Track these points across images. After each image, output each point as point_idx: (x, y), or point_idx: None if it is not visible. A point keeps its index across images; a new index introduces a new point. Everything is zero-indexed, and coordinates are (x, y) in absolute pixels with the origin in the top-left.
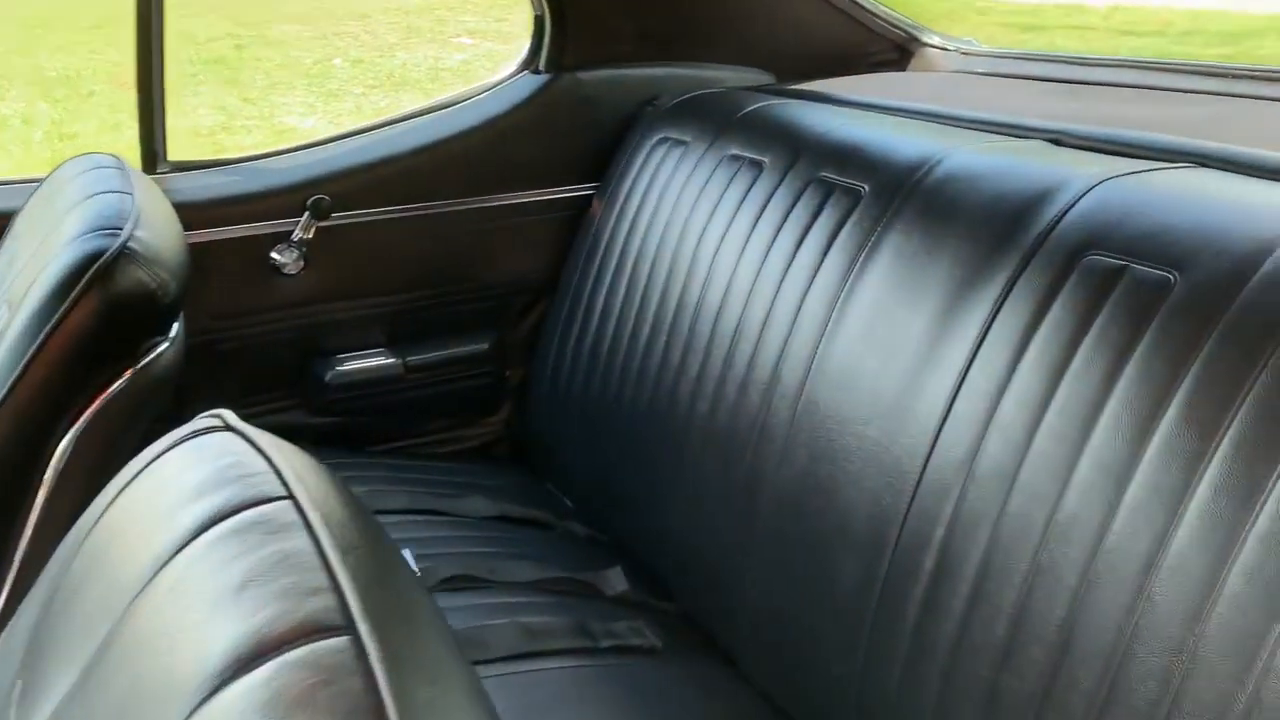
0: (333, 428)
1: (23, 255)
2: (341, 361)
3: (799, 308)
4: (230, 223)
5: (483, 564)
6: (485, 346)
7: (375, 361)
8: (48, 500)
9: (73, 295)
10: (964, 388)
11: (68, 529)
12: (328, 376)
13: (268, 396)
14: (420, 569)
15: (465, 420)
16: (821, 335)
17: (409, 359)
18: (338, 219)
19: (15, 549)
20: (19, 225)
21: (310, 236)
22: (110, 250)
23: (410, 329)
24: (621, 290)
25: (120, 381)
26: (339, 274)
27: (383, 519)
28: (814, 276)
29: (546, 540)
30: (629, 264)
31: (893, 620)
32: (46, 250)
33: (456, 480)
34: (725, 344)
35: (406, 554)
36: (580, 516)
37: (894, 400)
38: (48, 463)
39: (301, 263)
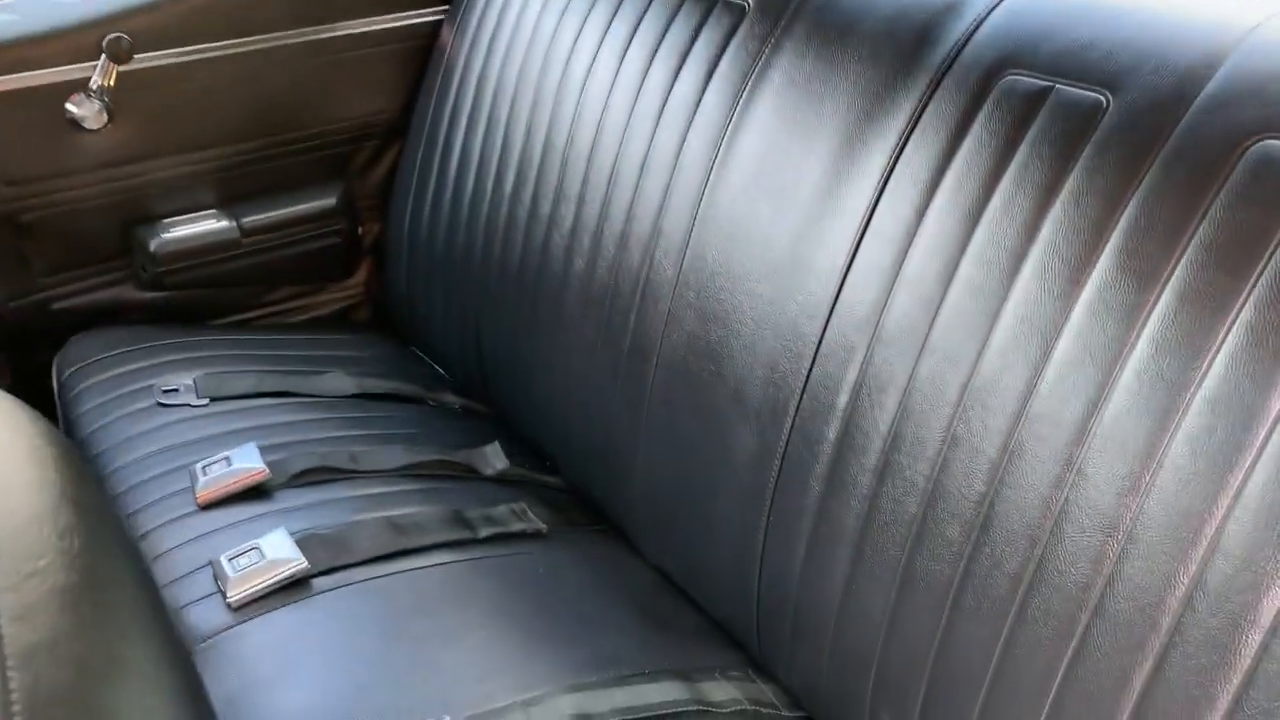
0: (166, 303)
1: None
2: (168, 228)
3: (680, 148)
4: (10, 70)
5: (343, 451)
6: (332, 201)
7: (207, 225)
8: None
9: None
10: (867, 236)
11: None
12: (153, 245)
13: (87, 272)
14: (267, 464)
15: (318, 286)
16: (706, 180)
17: (244, 220)
18: (142, 60)
19: None
20: None
21: (111, 83)
22: None
23: (244, 187)
24: (480, 131)
25: None
26: (152, 127)
27: (224, 406)
28: (695, 111)
29: (419, 418)
30: (486, 100)
31: (794, 496)
32: None
33: (312, 354)
34: (600, 192)
35: (251, 449)
36: (455, 387)
37: (789, 253)
38: None
39: (105, 116)
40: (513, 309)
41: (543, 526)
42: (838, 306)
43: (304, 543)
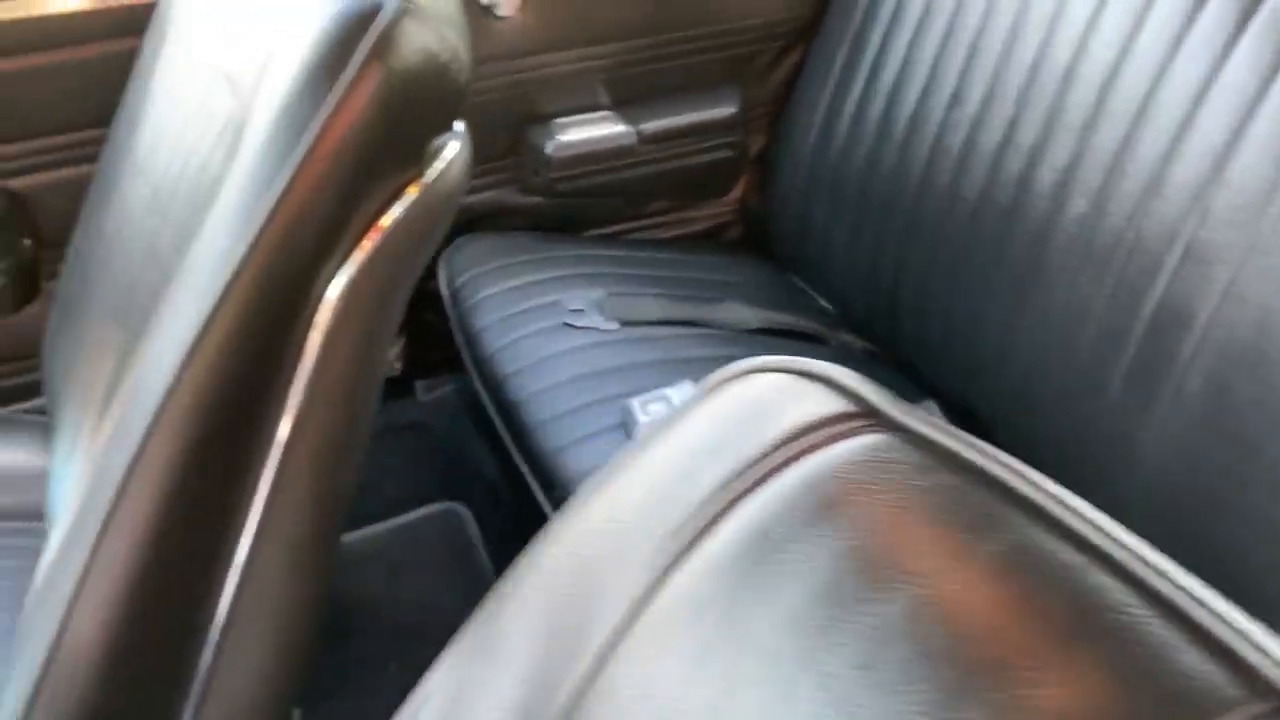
0: (547, 209)
1: (224, 11)
2: (563, 129)
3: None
4: None
5: None
6: (732, 110)
7: (605, 130)
8: (317, 364)
9: (346, 77)
10: None
11: (340, 394)
12: (549, 148)
13: (476, 170)
14: None
15: (692, 200)
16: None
17: (642, 126)
18: None
19: (279, 410)
20: None
21: None
22: (388, 7)
23: (638, 88)
24: (908, 33)
25: (408, 196)
26: (557, 15)
27: (634, 332)
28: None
29: (824, 358)
30: (922, 4)
31: None
32: (273, 3)
33: (700, 278)
34: (1123, 123)
35: (688, 387)
36: (850, 325)
37: None
38: (313, 314)
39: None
40: (955, 250)
41: None
42: None
43: None
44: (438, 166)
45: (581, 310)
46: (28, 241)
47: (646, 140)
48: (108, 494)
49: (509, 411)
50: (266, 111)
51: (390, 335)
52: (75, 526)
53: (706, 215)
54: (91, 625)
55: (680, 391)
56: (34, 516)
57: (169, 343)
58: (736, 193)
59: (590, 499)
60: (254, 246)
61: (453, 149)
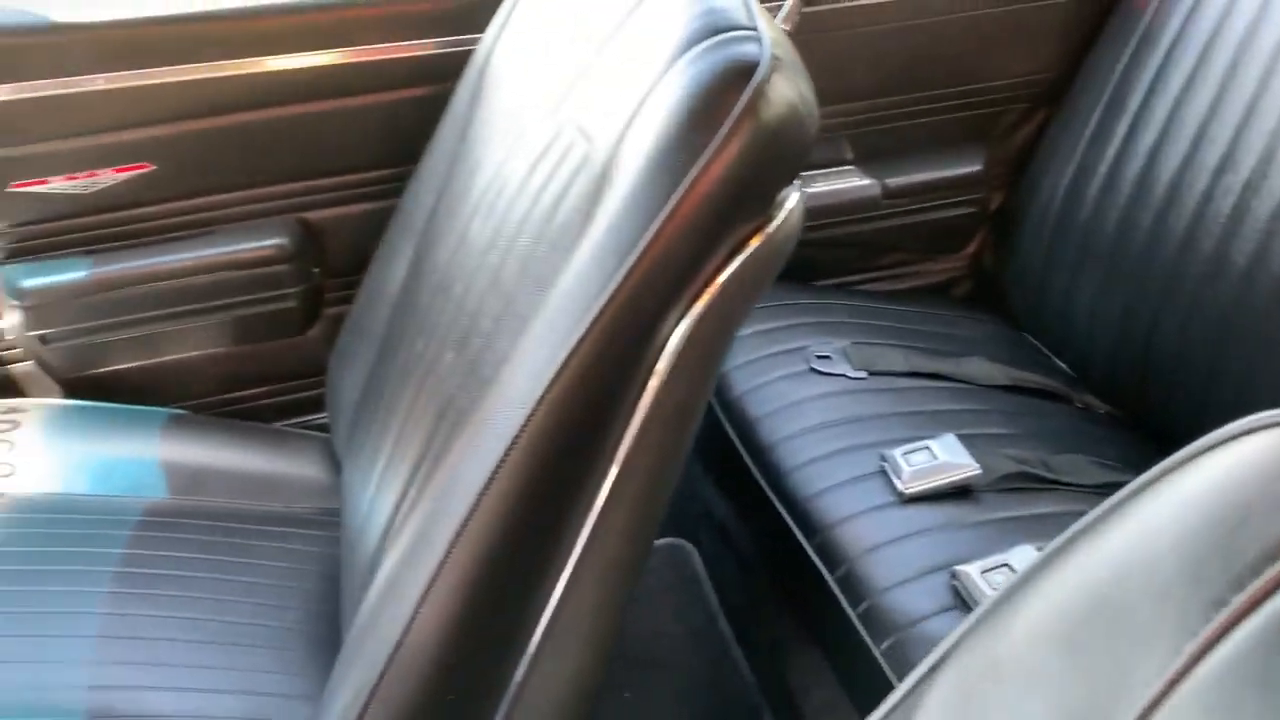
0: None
1: (578, 62)
2: (810, 181)
3: None
4: None
5: (1035, 458)
6: (976, 167)
7: (851, 183)
8: (656, 396)
9: (721, 130)
10: None
11: (668, 435)
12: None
13: None
14: (978, 465)
15: (926, 255)
16: None
17: (888, 181)
18: (823, 1)
19: (616, 448)
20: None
21: (793, 24)
22: (764, 63)
23: (884, 144)
24: (1171, 95)
25: (751, 246)
26: (814, 72)
27: (881, 383)
28: None
29: (1071, 423)
30: (1189, 58)
31: None
32: (637, 60)
33: (938, 332)
34: None
35: (952, 440)
36: (1086, 384)
37: None
38: (656, 359)
39: None
40: (1221, 316)
41: None
42: None
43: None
44: (779, 217)
45: (829, 357)
46: (316, 270)
47: (890, 195)
48: (457, 515)
49: (760, 454)
50: (634, 160)
51: (714, 379)
52: (417, 543)
53: (939, 270)
54: (431, 632)
55: (944, 444)
56: (323, 519)
57: (523, 373)
58: (971, 249)
59: (1091, 544)
60: (618, 289)
61: (793, 199)
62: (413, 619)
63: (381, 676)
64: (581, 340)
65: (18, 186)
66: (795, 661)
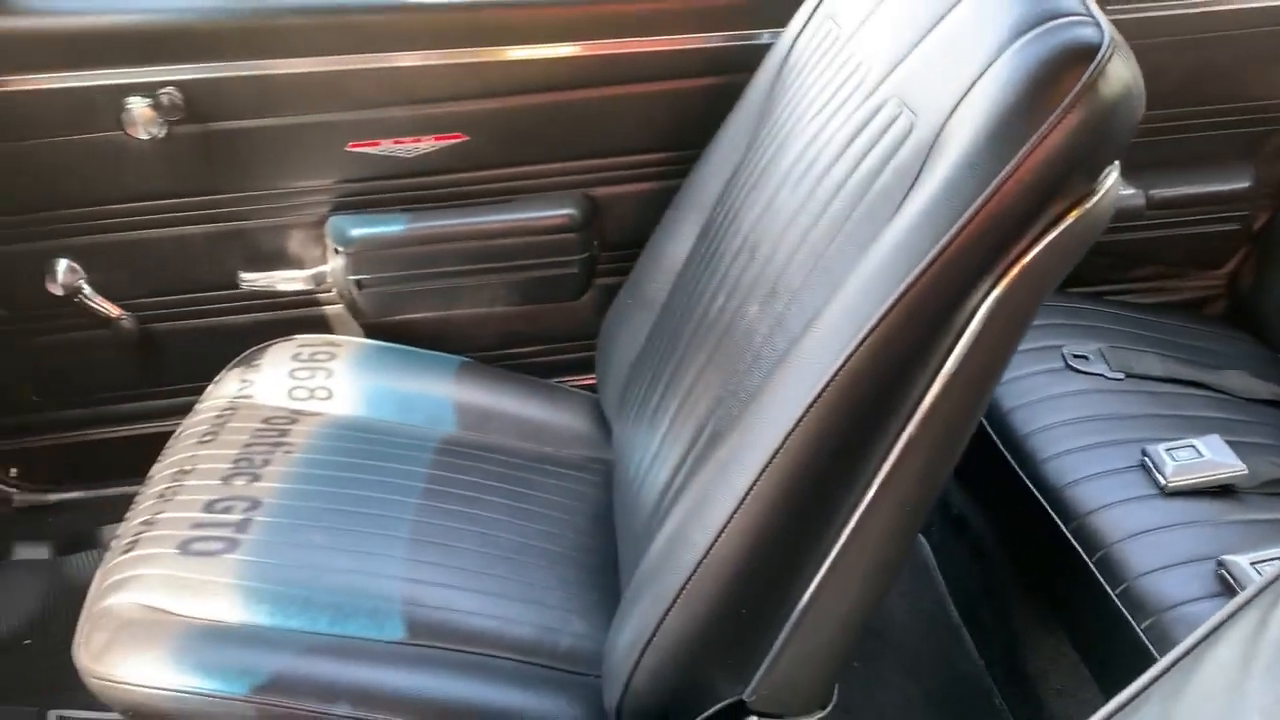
0: None
1: (901, 44)
2: None
3: None
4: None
5: None
6: (1245, 185)
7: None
8: (961, 358)
9: (1059, 106)
10: None
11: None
12: None
13: None
14: (1244, 466)
15: (1179, 270)
16: None
17: (1152, 192)
18: None
19: (919, 402)
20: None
21: None
22: (1103, 44)
23: (1151, 155)
24: None
25: (1069, 219)
26: None
27: (1139, 385)
28: None
29: None
30: None
31: None
32: (969, 40)
33: (1194, 345)
34: None
35: (1217, 441)
36: None
37: None
38: (971, 315)
39: None
40: None
41: None
42: None
43: None
44: (1099, 194)
45: (1086, 357)
46: (595, 241)
47: (1154, 205)
48: (766, 448)
49: (1015, 443)
50: (969, 131)
51: (1014, 350)
52: (721, 474)
53: (1192, 286)
54: (735, 548)
55: (1209, 444)
56: (590, 465)
57: (837, 325)
58: (1229, 266)
59: None
60: (941, 252)
61: (1112, 178)
62: (719, 535)
63: (685, 583)
64: (899, 298)
65: (354, 146)
66: (1034, 647)
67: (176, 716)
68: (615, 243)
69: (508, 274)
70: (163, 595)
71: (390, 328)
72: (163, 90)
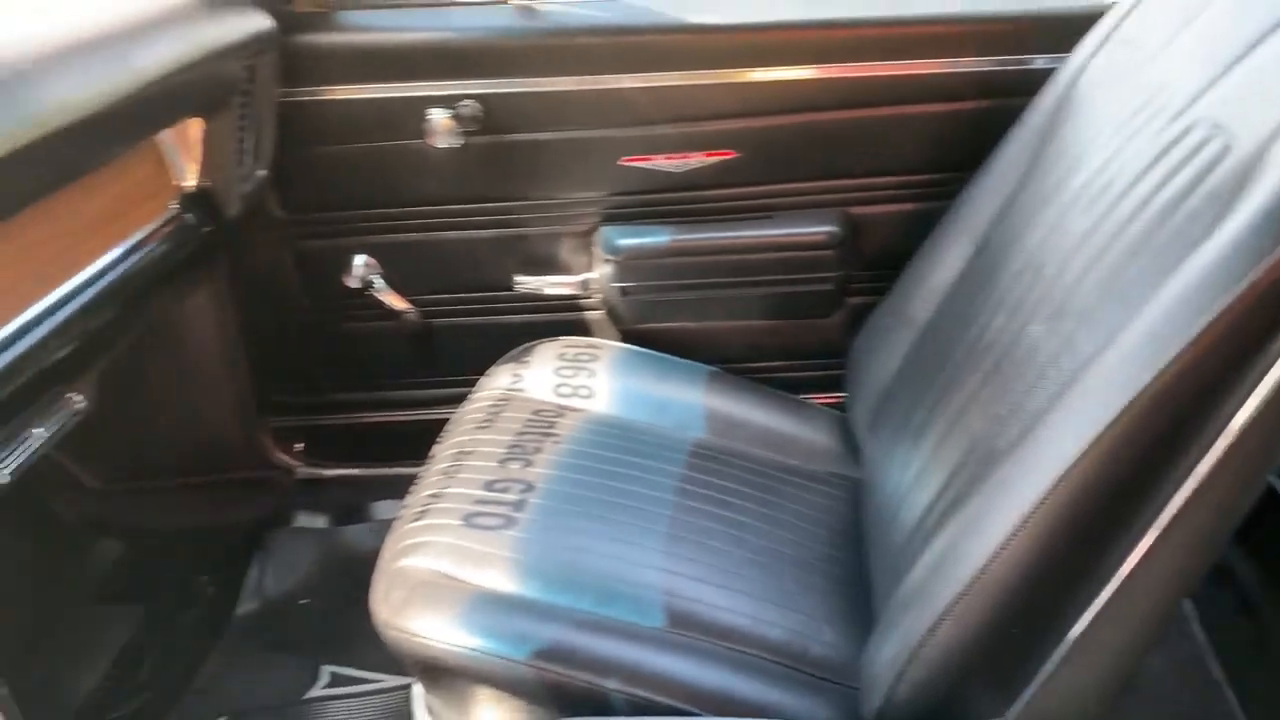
0: None
1: (1216, 63)
2: None
3: None
4: None
5: None
6: None
7: None
8: (1264, 404)
9: None
10: None
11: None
12: None
13: None
14: None
15: None
16: None
17: None
18: None
19: (1223, 428)
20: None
21: None
22: None
23: None
24: None
25: None
26: None
27: None
28: None
29: None
30: None
31: None
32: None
33: None
34: None
35: None
36: None
37: None
38: (1271, 364)
39: None
40: None
41: None
42: None
43: None
44: None
45: None
46: (851, 260)
47: None
48: (1055, 463)
49: None
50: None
51: None
52: (999, 490)
53: None
54: (1012, 566)
55: None
56: (835, 479)
57: (1138, 346)
58: None
59: None
60: (1260, 279)
61: None
62: (997, 553)
63: (958, 598)
64: (1208, 326)
65: (627, 161)
66: None
67: (462, 672)
68: (870, 262)
69: (764, 288)
70: (449, 562)
71: (645, 334)
72: (463, 103)
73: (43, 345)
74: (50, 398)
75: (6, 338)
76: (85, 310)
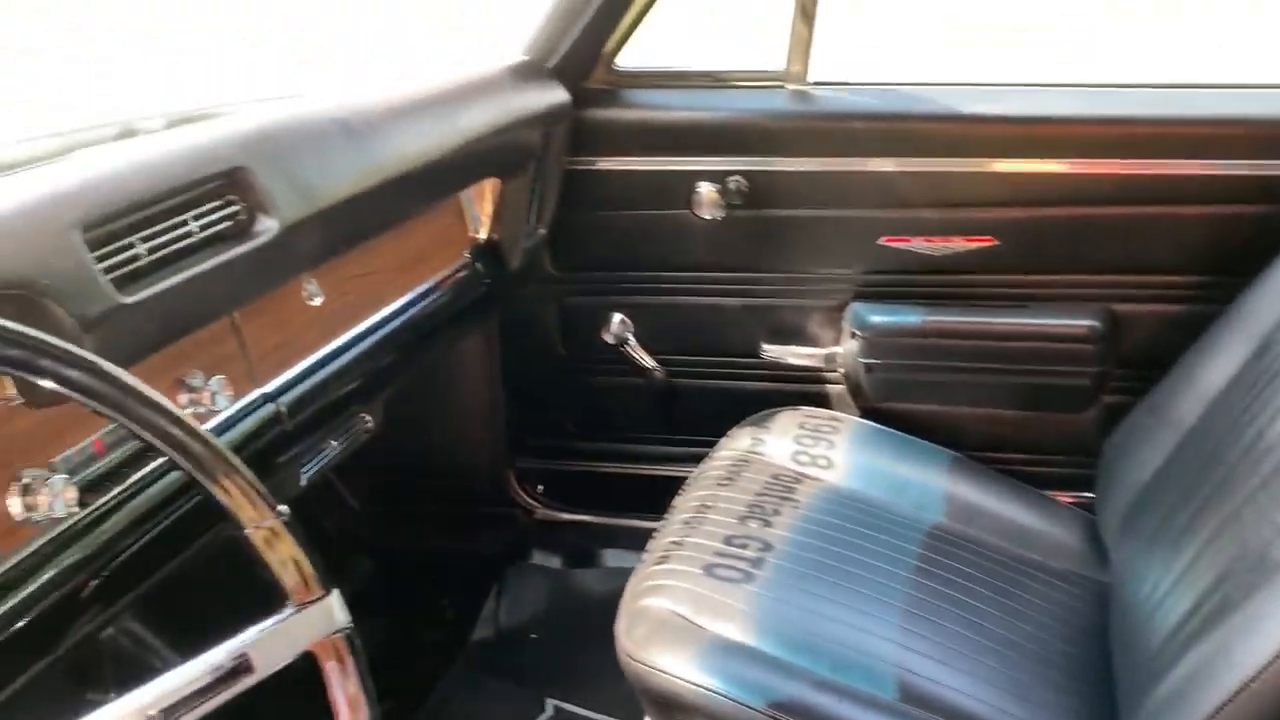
0: None
1: None
2: None
3: None
4: None
5: None
6: None
7: None
8: None
9: None
10: None
11: None
12: None
13: None
14: None
15: None
16: None
17: None
18: None
19: None
20: None
21: None
22: None
23: None
24: None
25: None
26: None
27: None
28: None
29: None
30: None
31: None
32: None
33: None
34: None
35: None
36: None
37: None
38: None
39: None
40: None
41: None
42: None
43: None
44: None
45: None
46: (1111, 357)
47: None
48: None
49: None
50: None
51: None
52: (1251, 620)
53: None
54: (1256, 705)
55: None
56: (1076, 578)
57: None
58: None
59: None
60: None
61: None
62: (1269, 663)
63: (1224, 704)
64: None
65: (887, 241)
66: None
67: (697, 711)
68: (1127, 360)
69: (1015, 377)
70: (689, 607)
71: (885, 413)
72: (732, 178)
73: (349, 368)
74: (347, 416)
75: (323, 358)
76: (385, 341)
